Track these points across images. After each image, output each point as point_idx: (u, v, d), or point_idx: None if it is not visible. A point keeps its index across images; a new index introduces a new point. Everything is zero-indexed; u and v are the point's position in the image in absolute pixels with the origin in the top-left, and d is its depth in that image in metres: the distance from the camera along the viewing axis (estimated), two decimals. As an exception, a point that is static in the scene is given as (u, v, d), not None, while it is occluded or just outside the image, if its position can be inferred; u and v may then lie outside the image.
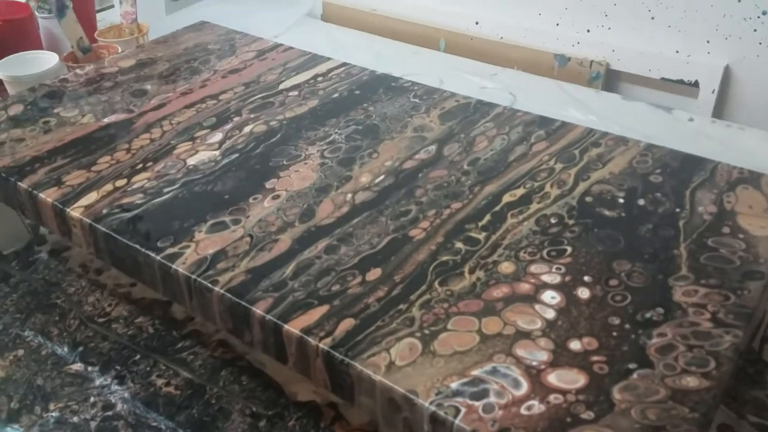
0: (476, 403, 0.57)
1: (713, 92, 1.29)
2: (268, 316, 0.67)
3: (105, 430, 0.79)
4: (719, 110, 1.33)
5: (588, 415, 0.55)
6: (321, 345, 0.63)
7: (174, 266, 0.73)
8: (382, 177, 0.86)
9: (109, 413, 0.82)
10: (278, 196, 0.85)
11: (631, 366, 0.60)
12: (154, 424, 0.80)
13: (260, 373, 0.86)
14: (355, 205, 0.83)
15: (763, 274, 0.69)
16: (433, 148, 0.92)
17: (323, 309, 0.67)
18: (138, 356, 0.88)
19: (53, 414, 0.82)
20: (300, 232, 0.79)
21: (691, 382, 0.58)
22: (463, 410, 0.56)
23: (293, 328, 0.65)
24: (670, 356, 0.61)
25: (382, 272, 0.72)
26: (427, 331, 0.65)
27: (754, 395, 0.78)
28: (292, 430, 0.79)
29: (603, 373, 0.59)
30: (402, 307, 0.67)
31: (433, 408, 0.57)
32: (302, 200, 0.84)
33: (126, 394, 0.83)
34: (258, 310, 0.68)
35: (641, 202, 0.81)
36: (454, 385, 0.59)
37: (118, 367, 0.87)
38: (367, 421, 0.78)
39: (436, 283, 0.71)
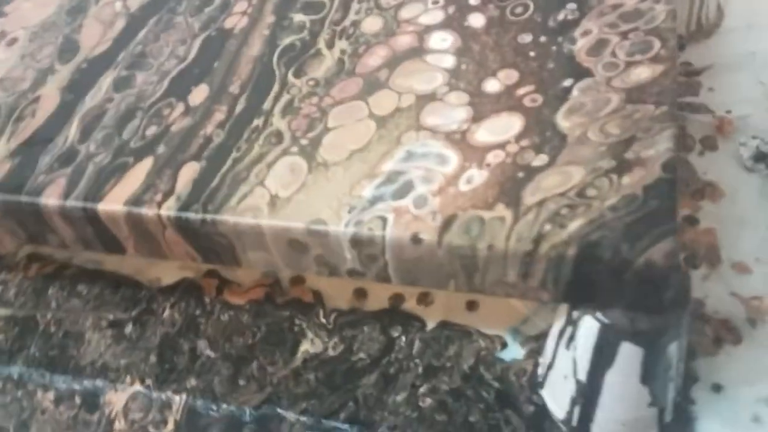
0: (403, 202, 0.49)
1: None
2: (69, 202, 0.53)
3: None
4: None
5: (541, 159, 0.49)
6: (163, 212, 0.52)
7: None
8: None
9: None
10: (15, 40, 0.66)
11: (567, 83, 0.54)
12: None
13: (100, 274, 0.74)
14: (132, 15, 0.67)
15: None
16: None
17: (145, 165, 0.54)
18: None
19: None
20: (67, 77, 0.62)
21: (642, 73, 0.53)
22: (391, 216, 0.49)
23: (112, 205, 0.52)
24: (606, 54, 0.55)
25: (210, 88, 0.59)
26: (304, 141, 0.54)
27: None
28: (172, 321, 0.70)
29: (537, 105, 0.53)
30: (257, 123, 0.56)
31: (351, 230, 0.49)
32: (52, 33, 0.67)
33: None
34: (49, 200, 0.53)
35: None
36: (366, 192, 0.50)
37: None
38: (265, 275, 0.70)
39: (290, 77, 0.59)
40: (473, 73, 0.56)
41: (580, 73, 0.54)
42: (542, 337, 0.61)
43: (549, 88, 0.53)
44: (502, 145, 0.51)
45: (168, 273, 0.73)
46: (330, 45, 0.60)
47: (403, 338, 0.65)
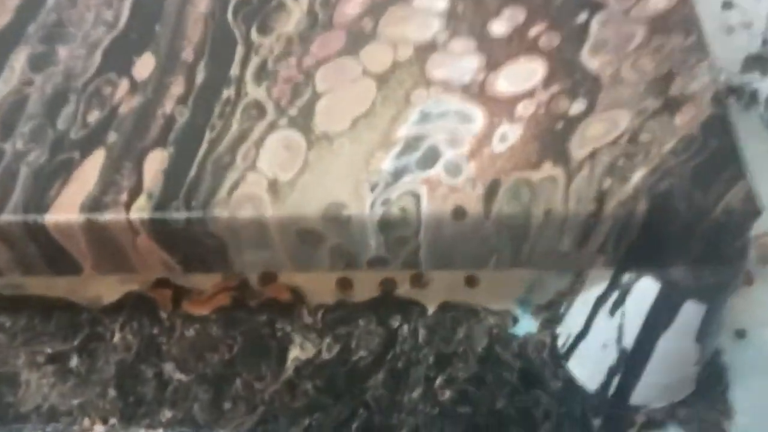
0: (433, 172, 0.43)
1: None
2: (5, 217, 0.43)
3: None
4: None
5: (578, 106, 0.45)
6: (134, 215, 0.43)
7: None
8: None
9: None
10: None
11: (582, 17, 0.49)
12: None
13: (23, 300, 0.63)
14: None
15: None
16: None
17: (96, 159, 0.44)
18: None
19: None
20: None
21: (658, 2, 0.49)
22: (424, 190, 0.42)
23: (63, 214, 0.42)
24: (616, -17, 0.51)
25: (156, 57, 0.50)
26: (293, 111, 0.46)
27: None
28: (125, 345, 0.61)
29: (556, 45, 0.48)
30: (228, 93, 0.47)
31: (379, 211, 0.42)
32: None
33: None
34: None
35: None
36: (386, 164, 0.43)
37: None
38: (228, 277, 0.61)
39: (254, 35, 0.50)
40: (473, 15, 0.50)
41: (594, 5, 0.49)
42: (554, 304, 0.57)
43: (564, 25, 0.48)
44: (529, 94, 0.45)
45: (108, 288, 0.63)
46: (294, -5, 0.52)
47: (405, 327, 0.59)
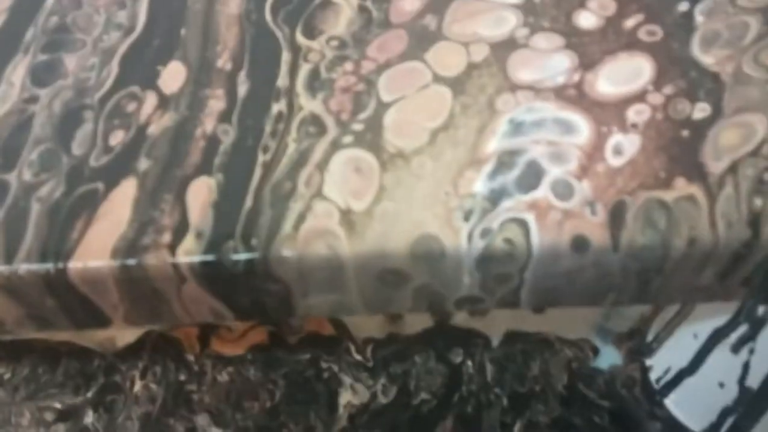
0: (539, 194, 0.35)
1: None
2: (18, 266, 0.34)
3: None
4: None
5: (702, 109, 0.37)
6: (182, 259, 0.34)
7: None
8: None
9: None
10: None
11: (683, 7, 0.42)
12: None
13: (24, 345, 0.54)
14: None
15: None
16: None
17: (126, 190, 0.36)
18: None
19: None
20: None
21: (769, -13, 0.42)
22: (531, 217, 0.35)
23: (91, 260, 0.34)
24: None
25: (187, 66, 0.41)
26: (358, 126, 0.38)
27: None
28: (149, 396, 0.52)
29: (660, 39, 0.41)
30: (279, 108, 0.39)
31: (480, 244, 0.34)
32: None
33: None
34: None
35: None
36: (479, 186, 0.36)
37: None
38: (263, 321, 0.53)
39: (299, 38, 0.42)
40: (554, 6, 0.42)
41: (699, -13, 0.42)
42: (638, 332, 0.50)
43: (664, 16, 0.41)
44: (640, 97, 0.38)
45: (123, 328, 0.55)
46: (341, -11, 0.44)
47: (469, 363, 0.52)
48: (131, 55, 0.42)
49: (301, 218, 0.35)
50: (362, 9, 0.43)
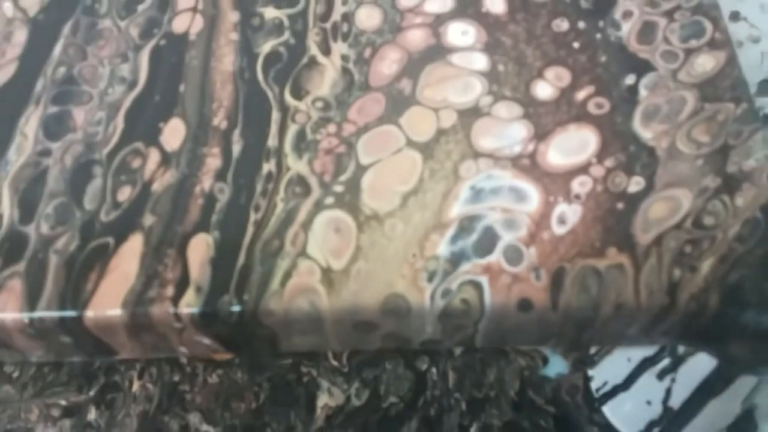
0: (492, 258, 0.40)
1: None
2: (40, 314, 0.38)
3: None
4: None
5: (636, 183, 0.42)
6: (183, 310, 0.39)
7: None
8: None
9: None
10: None
11: (629, 80, 0.46)
12: None
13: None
14: (34, 21, 0.48)
15: None
16: None
17: (134, 245, 0.39)
18: None
19: None
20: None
21: (705, 63, 0.46)
22: (485, 280, 0.39)
23: (105, 310, 0.38)
24: (659, 40, 0.47)
25: (186, 122, 0.45)
26: (339, 188, 0.42)
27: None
28: (146, 395, 0.57)
29: (606, 111, 0.45)
30: (269, 167, 0.43)
31: (440, 303, 0.39)
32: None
33: None
34: (5, 314, 0.38)
35: None
36: (442, 249, 0.40)
37: None
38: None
39: (287, 97, 0.46)
40: (515, 75, 0.46)
41: (639, 66, 0.46)
42: (585, 346, 0.55)
43: (612, 89, 0.45)
44: (584, 169, 0.42)
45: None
46: (325, 50, 0.48)
47: (434, 370, 0.57)
48: (135, 110, 0.45)
49: (287, 275, 0.39)
50: (345, 71, 0.47)
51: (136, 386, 0.58)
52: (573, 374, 0.56)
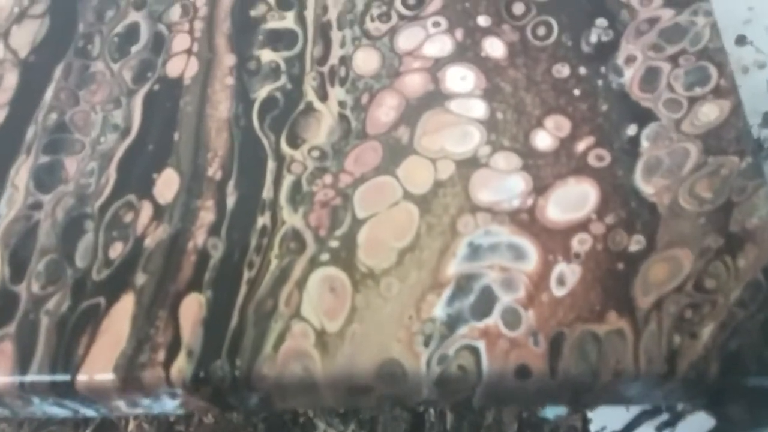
0: (490, 321, 0.39)
1: None
2: (31, 378, 0.37)
3: None
4: None
5: (637, 242, 0.41)
6: (175, 375, 0.38)
7: None
8: None
9: None
10: None
11: (631, 131, 0.45)
12: None
13: None
14: (25, 63, 0.47)
15: None
16: None
17: (125, 306, 0.39)
18: None
19: None
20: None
21: (709, 112, 0.45)
22: (482, 345, 0.38)
23: (96, 374, 0.37)
24: (662, 87, 0.46)
25: (179, 173, 0.44)
26: (334, 243, 0.42)
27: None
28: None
29: (607, 164, 0.44)
30: (263, 221, 0.42)
31: (437, 370, 0.38)
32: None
33: None
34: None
35: None
36: (438, 311, 0.39)
37: None
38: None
39: (283, 146, 0.45)
40: (514, 124, 0.45)
41: (641, 115, 0.45)
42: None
43: (613, 140, 0.44)
44: (583, 225, 0.41)
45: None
46: (322, 95, 0.47)
47: (431, 411, 0.56)
48: (128, 160, 0.45)
49: (281, 338, 0.38)
50: (342, 117, 0.46)
51: (131, 426, 0.58)
52: (572, 416, 0.55)
